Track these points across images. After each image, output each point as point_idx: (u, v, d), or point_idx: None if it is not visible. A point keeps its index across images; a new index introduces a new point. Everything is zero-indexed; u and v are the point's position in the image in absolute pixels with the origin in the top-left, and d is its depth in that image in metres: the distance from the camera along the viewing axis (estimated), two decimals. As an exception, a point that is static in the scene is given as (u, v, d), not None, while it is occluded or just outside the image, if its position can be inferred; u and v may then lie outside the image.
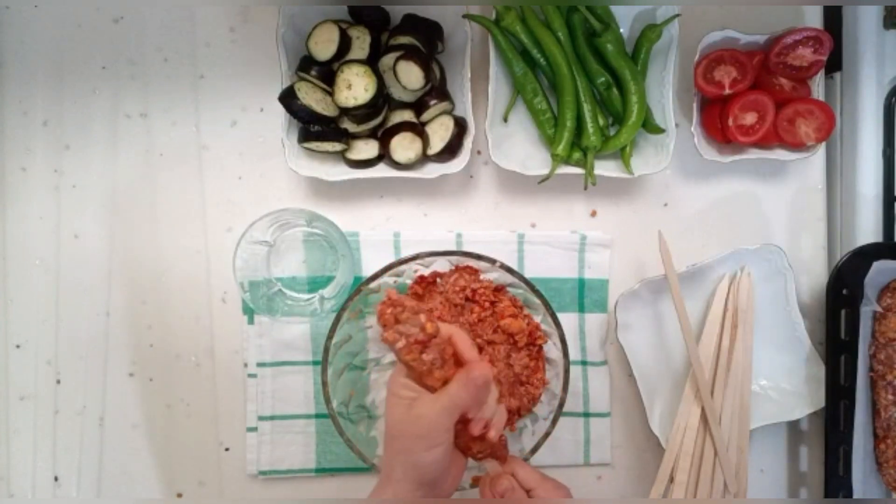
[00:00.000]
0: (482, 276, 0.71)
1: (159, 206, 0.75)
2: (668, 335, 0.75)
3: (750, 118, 0.71)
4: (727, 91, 0.71)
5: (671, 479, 0.71)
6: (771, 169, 0.77)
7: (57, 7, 0.75)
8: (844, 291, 0.72)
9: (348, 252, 0.71)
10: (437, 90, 0.72)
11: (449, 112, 0.73)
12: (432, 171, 0.72)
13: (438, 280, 0.71)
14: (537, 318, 0.71)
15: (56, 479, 0.75)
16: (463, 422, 0.56)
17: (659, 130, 0.71)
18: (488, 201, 0.76)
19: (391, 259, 0.73)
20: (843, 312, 0.72)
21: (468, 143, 0.71)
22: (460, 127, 0.72)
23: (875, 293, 0.73)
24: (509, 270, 0.67)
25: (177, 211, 0.75)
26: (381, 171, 0.72)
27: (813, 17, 0.76)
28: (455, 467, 0.58)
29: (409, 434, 0.54)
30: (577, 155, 0.72)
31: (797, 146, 0.72)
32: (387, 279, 0.69)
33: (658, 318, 0.75)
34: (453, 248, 0.75)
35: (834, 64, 0.75)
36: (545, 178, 0.72)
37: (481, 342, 0.70)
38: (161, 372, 0.75)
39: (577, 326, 0.75)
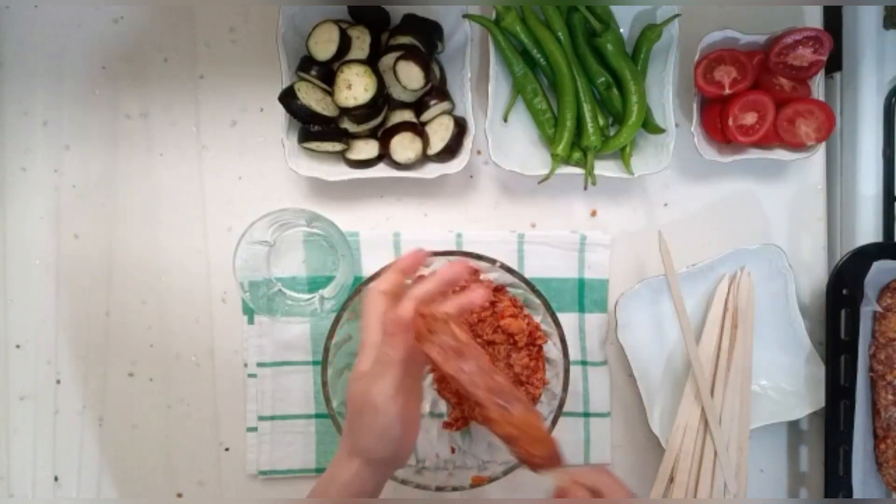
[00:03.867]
0: (482, 276, 0.71)
1: (159, 206, 0.75)
2: (668, 335, 0.75)
3: (750, 118, 0.71)
4: (727, 91, 0.71)
5: (671, 479, 0.71)
6: (771, 169, 0.77)
7: (57, 7, 0.75)
8: (844, 291, 0.72)
9: (348, 252, 0.71)
10: (437, 90, 0.72)
11: (449, 112, 0.73)
12: (432, 171, 0.72)
13: (438, 280, 0.71)
14: (537, 318, 0.71)
15: (56, 479, 0.75)
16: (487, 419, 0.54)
17: (659, 130, 0.71)
18: (488, 201, 0.76)
19: (391, 259, 0.73)
20: (843, 312, 0.72)
21: (468, 143, 0.71)
22: (460, 127, 0.72)
23: (875, 293, 0.73)
24: (509, 270, 0.67)
25: (177, 211, 0.75)
26: (381, 171, 0.72)
27: (813, 17, 0.76)
28: (406, 437, 0.55)
29: (354, 411, 0.54)
30: (577, 155, 0.72)
31: (797, 146, 0.72)
32: (387, 279, 0.69)
33: (658, 318, 0.75)
34: (453, 248, 0.75)
35: (834, 64, 0.75)
36: (545, 178, 0.72)
37: (481, 342, 0.70)
38: (161, 372, 0.75)
39: (577, 326, 0.75)
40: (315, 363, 0.74)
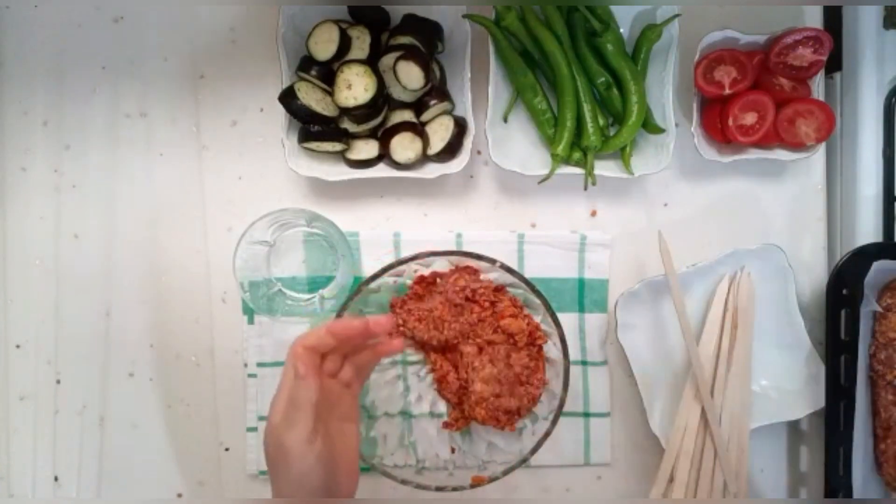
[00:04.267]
0: (482, 276, 0.71)
1: (159, 206, 0.75)
2: (668, 335, 0.75)
3: (750, 118, 0.71)
4: (727, 91, 0.71)
5: (671, 479, 0.71)
6: (771, 169, 0.77)
7: (57, 7, 0.75)
8: (844, 291, 0.72)
9: (348, 252, 0.71)
10: (437, 90, 0.72)
11: (449, 112, 0.73)
12: (432, 171, 0.72)
13: (438, 280, 0.71)
14: (537, 318, 0.71)
15: (56, 479, 0.75)
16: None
17: (659, 130, 0.71)
18: (488, 201, 0.76)
19: (391, 259, 0.74)
20: (843, 312, 0.72)
21: (468, 143, 0.71)
22: (460, 127, 0.72)
23: (875, 293, 0.73)
24: (509, 270, 0.67)
25: (177, 211, 0.75)
26: (381, 171, 0.72)
27: (813, 17, 0.76)
28: (336, 480, 0.54)
29: (270, 462, 0.53)
30: (577, 155, 0.72)
31: (797, 146, 0.72)
32: (387, 279, 0.69)
33: (658, 318, 0.75)
34: (453, 248, 0.75)
35: (834, 64, 0.75)
36: (545, 178, 0.72)
37: (481, 342, 0.70)
38: (161, 372, 0.75)
39: (577, 326, 0.75)
40: (315, 363, 0.74)
